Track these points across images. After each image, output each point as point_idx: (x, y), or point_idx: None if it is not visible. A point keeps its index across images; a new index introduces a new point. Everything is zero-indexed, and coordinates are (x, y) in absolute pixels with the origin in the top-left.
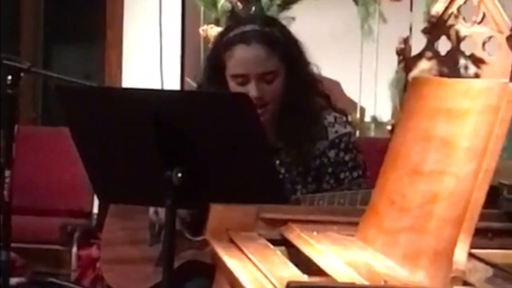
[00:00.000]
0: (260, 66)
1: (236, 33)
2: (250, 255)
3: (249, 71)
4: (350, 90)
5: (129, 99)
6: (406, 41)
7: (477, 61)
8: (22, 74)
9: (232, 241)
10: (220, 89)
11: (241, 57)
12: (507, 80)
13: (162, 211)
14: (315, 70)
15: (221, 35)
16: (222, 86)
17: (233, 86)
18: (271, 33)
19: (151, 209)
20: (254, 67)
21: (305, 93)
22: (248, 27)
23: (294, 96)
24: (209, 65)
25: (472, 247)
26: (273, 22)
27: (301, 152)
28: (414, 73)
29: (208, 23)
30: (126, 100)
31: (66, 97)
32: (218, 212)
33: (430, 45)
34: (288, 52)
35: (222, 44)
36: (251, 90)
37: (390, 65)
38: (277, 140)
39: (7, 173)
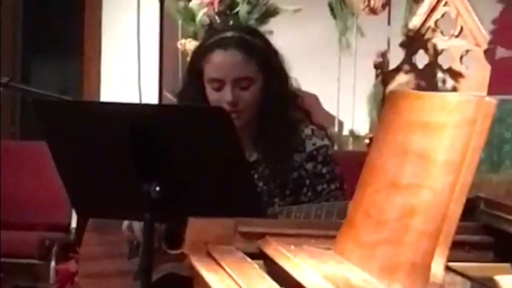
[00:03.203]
0: (236, 70)
1: (216, 39)
2: (227, 269)
3: (225, 75)
4: (328, 104)
5: (106, 113)
6: (383, 54)
7: (455, 75)
8: (0, 89)
9: (209, 255)
10: (197, 97)
11: (218, 62)
12: (485, 93)
13: (136, 227)
14: (294, 83)
15: (202, 42)
16: (199, 93)
17: (210, 92)
18: (250, 41)
19: (124, 225)
20: (229, 72)
21: (284, 105)
22: (228, 34)
23: (272, 107)
24: (188, 72)
25: (449, 260)
26: (254, 31)
27: (279, 164)
28: (392, 86)
29: (186, 37)
30: (102, 114)
31: (43, 111)
32: (196, 226)
33: (408, 59)
34: (267, 61)
35: (202, 51)
36: (226, 94)
37: (368, 78)
38: (255, 153)
39: None
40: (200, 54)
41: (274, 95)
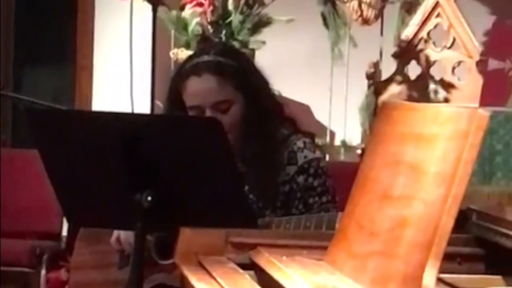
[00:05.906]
0: (212, 96)
1: (190, 64)
2: (219, 279)
3: (202, 102)
4: (320, 114)
5: (98, 122)
6: (376, 65)
7: (447, 86)
8: None
9: (201, 265)
10: None
11: (193, 89)
12: (477, 105)
13: (123, 239)
14: (276, 93)
15: (178, 68)
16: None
17: None
18: (224, 63)
19: (113, 236)
20: (206, 98)
21: (266, 121)
22: (201, 58)
23: (254, 124)
24: (169, 96)
25: (440, 272)
26: (229, 51)
27: (265, 179)
28: (384, 97)
29: (179, 47)
30: (94, 123)
31: (36, 119)
32: (187, 236)
33: (400, 70)
34: (243, 80)
35: (178, 77)
36: None
37: (360, 89)
38: (242, 166)
39: None
40: (178, 80)
41: (255, 112)
